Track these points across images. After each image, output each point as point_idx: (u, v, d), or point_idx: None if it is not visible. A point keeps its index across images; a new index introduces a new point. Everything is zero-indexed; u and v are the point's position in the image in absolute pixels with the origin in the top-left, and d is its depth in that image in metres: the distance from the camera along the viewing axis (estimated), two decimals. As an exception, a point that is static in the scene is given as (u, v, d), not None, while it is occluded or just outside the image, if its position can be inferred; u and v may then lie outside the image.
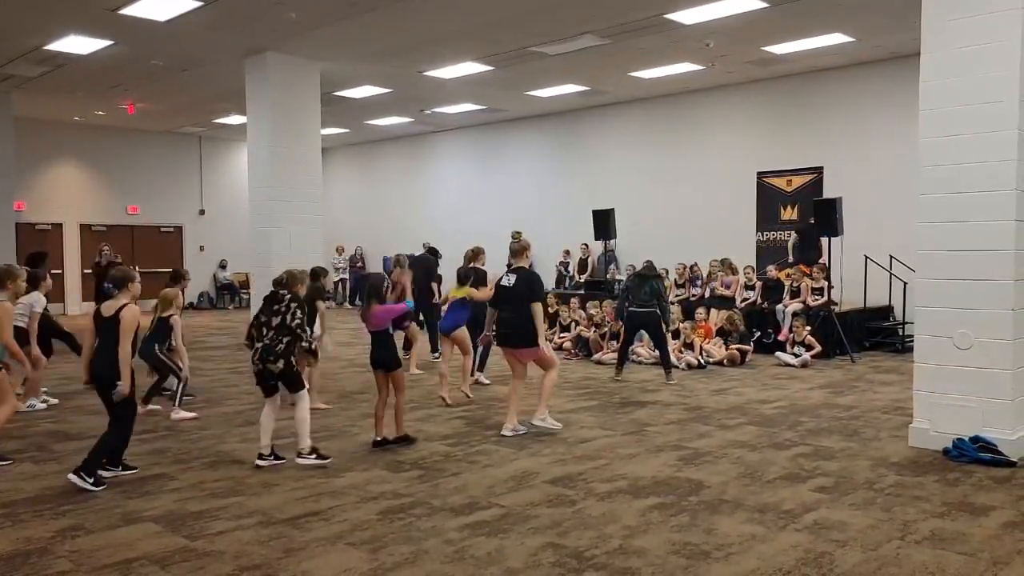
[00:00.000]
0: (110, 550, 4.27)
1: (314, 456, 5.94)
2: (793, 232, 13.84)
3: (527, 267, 7.09)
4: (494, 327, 7.18)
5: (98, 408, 7.75)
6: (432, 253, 12.37)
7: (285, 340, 5.88)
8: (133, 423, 5.65)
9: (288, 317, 5.89)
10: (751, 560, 4.10)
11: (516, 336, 6.84)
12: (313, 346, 6.60)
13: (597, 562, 4.08)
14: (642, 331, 10.80)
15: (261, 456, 6.01)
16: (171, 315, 7.84)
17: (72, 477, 5.31)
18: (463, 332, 8.52)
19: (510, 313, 6.89)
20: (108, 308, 5.48)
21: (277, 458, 6.01)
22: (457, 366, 8.79)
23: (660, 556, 4.16)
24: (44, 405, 8.19)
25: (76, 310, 19.14)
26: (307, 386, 6.26)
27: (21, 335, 7.88)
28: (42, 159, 19.15)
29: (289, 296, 6.00)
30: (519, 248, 7.08)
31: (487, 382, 9.45)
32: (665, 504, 5.00)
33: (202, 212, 21.86)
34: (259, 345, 5.91)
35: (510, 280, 6.90)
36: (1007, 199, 5.96)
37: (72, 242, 19.72)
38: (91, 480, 5.32)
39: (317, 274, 8.31)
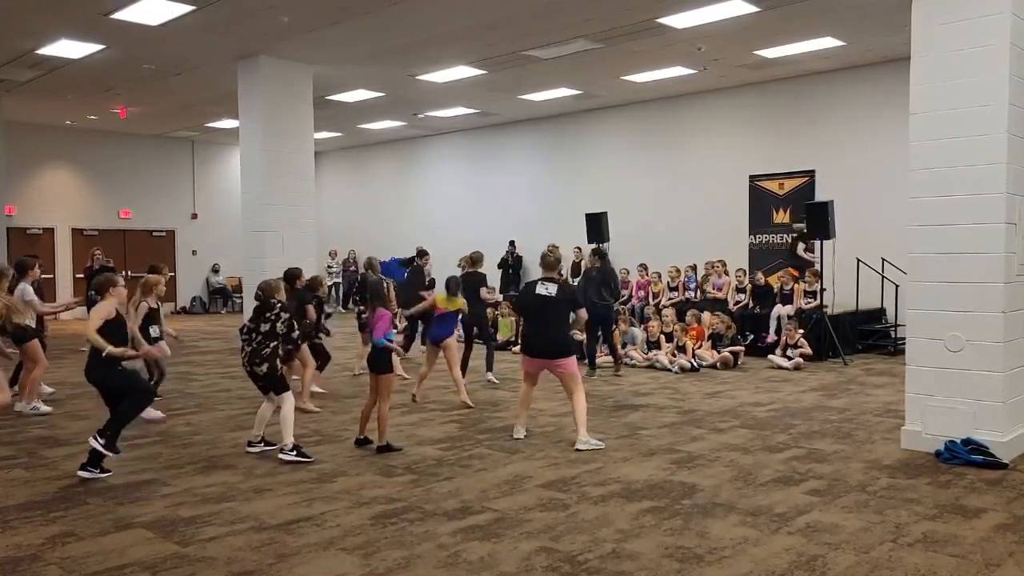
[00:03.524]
0: (101, 556, 4.25)
1: (295, 453, 6.07)
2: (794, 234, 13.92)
3: (562, 278, 7.08)
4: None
5: (89, 413, 7.77)
6: (420, 256, 12.23)
7: (271, 345, 6.20)
8: (143, 391, 5.75)
9: (279, 325, 6.23)
10: (744, 563, 4.10)
11: (554, 348, 6.67)
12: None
13: (590, 566, 4.08)
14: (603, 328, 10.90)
15: (250, 443, 6.41)
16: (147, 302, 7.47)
17: (91, 442, 5.54)
18: (452, 342, 8.49)
19: (547, 324, 6.71)
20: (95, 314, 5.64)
21: (268, 444, 6.38)
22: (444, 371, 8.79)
23: (653, 560, 4.16)
24: (50, 408, 8.08)
25: (67, 315, 19.03)
26: (292, 387, 6.39)
27: (29, 333, 7.84)
28: (33, 163, 19.08)
29: (280, 305, 6.31)
30: (555, 261, 7.01)
31: (497, 381, 9.54)
32: (658, 507, 5.00)
33: (194, 216, 21.80)
34: (248, 349, 6.24)
35: (550, 290, 6.71)
36: (997, 202, 5.99)
37: (64, 247, 19.64)
38: (102, 441, 5.51)
39: (293, 276, 8.23)
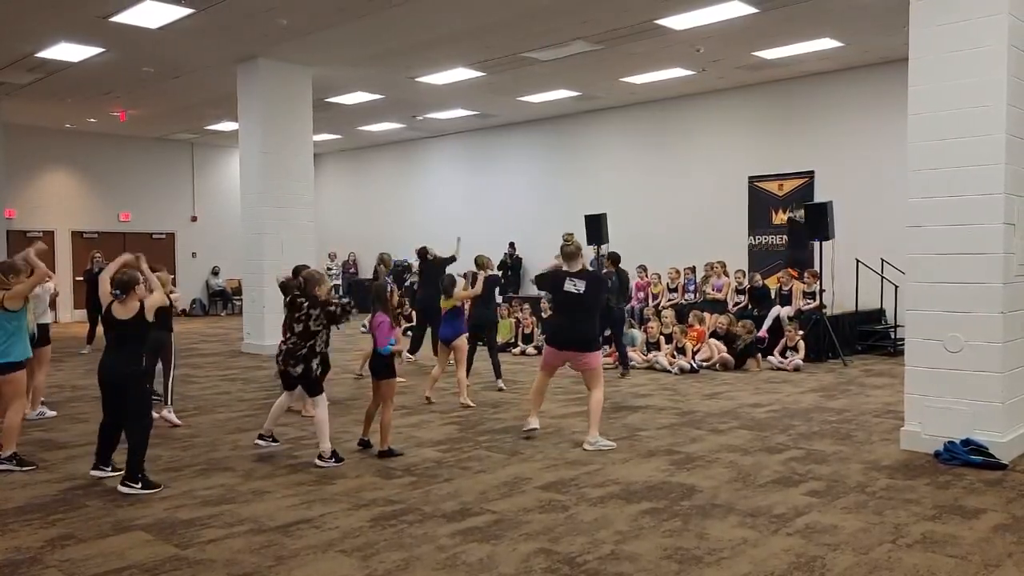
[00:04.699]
0: (100, 559, 4.25)
1: (333, 460, 6.09)
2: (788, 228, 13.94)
3: (588, 268, 6.82)
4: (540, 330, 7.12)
5: (88, 416, 7.77)
6: (422, 256, 12.11)
7: (308, 345, 6.11)
8: (151, 416, 5.68)
9: (311, 323, 6.10)
10: (743, 565, 4.10)
11: (585, 341, 6.59)
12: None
13: (589, 568, 4.08)
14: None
15: (261, 436, 6.47)
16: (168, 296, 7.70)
17: (122, 488, 5.37)
18: (462, 341, 8.57)
19: (578, 319, 6.58)
20: (121, 311, 5.51)
21: (275, 440, 6.46)
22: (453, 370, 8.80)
23: (652, 561, 4.16)
24: (55, 413, 8.07)
25: (68, 317, 19.07)
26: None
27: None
28: (33, 166, 19.10)
29: (308, 303, 6.16)
30: (574, 250, 6.72)
31: (505, 388, 9.46)
32: (657, 509, 5.00)
33: (194, 219, 21.81)
34: (283, 348, 6.19)
35: (579, 287, 6.55)
36: (996, 202, 5.99)
37: (64, 250, 19.64)
38: (139, 485, 5.37)
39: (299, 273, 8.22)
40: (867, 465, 6.01)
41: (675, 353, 11.17)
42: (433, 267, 11.19)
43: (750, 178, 14.95)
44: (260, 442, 6.48)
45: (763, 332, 11.82)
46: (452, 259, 11.13)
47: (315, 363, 6.17)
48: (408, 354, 11.65)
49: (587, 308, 6.61)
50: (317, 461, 6.07)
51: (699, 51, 12.41)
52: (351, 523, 4.79)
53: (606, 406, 8.46)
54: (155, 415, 7.34)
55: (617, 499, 5.21)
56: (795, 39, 11.89)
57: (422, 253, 11.81)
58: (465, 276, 9.49)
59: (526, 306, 13.62)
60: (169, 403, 7.67)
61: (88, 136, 19.63)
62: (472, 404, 8.40)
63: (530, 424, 6.98)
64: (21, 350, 6.07)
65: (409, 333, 12.67)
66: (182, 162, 21.64)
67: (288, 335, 6.18)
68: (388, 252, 11.99)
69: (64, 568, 4.14)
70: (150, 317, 5.56)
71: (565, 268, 6.74)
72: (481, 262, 9.69)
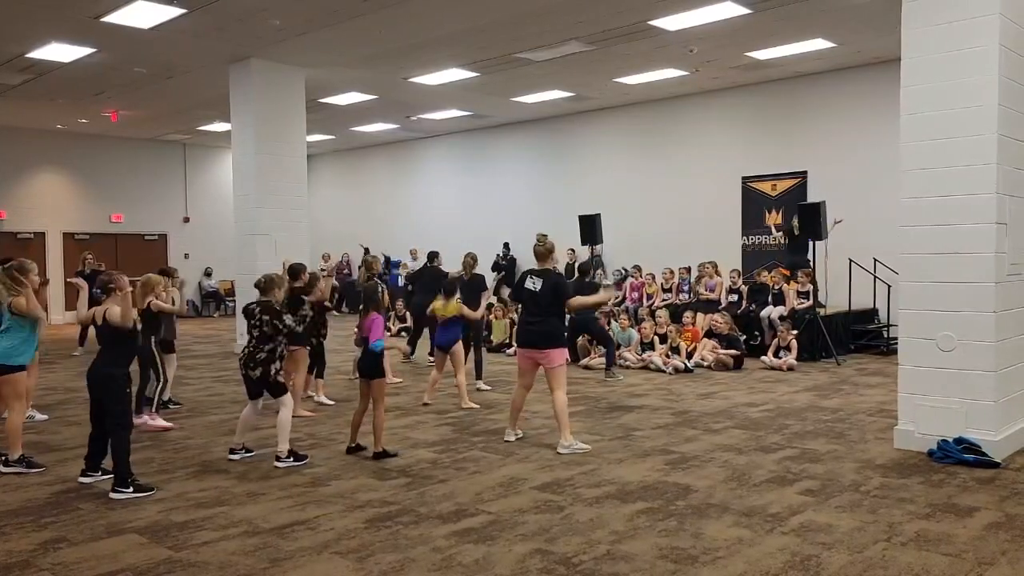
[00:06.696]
0: (93, 562, 4.22)
1: (292, 459, 6.09)
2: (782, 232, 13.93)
3: (552, 269, 6.88)
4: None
5: (80, 419, 7.73)
6: (432, 259, 12.20)
7: (266, 349, 6.13)
8: (127, 430, 5.60)
9: (266, 327, 6.14)
10: (738, 564, 4.11)
11: (542, 337, 6.62)
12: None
13: (585, 568, 4.07)
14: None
15: (232, 451, 6.35)
16: (148, 301, 7.50)
17: (113, 495, 5.32)
18: (459, 347, 8.58)
19: (536, 316, 6.68)
20: (100, 312, 5.61)
21: (247, 451, 6.36)
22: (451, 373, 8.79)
23: (648, 561, 4.16)
24: (46, 416, 8.03)
25: (59, 319, 18.96)
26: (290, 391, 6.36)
27: None
28: (24, 167, 19.00)
29: (259, 309, 6.21)
30: (545, 251, 6.87)
31: (487, 388, 9.45)
32: (652, 509, 5.00)
33: (187, 220, 21.74)
34: (244, 351, 6.21)
35: (536, 284, 6.68)
36: (988, 202, 6.01)
37: (55, 251, 19.54)
38: (130, 489, 5.35)
39: (296, 272, 8.20)
40: (861, 464, 6.02)
41: (669, 353, 11.17)
42: (431, 275, 11.32)
43: (743, 178, 14.98)
44: (233, 456, 6.27)
45: (769, 336, 11.78)
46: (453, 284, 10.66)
47: (274, 367, 6.17)
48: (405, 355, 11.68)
49: (543, 305, 6.63)
50: (276, 463, 6.04)
51: (692, 51, 12.43)
52: (346, 525, 4.77)
53: (601, 406, 8.50)
54: (136, 420, 7.25)
55: (612, 499, 5.21)
56: (788, 40, 11.91)
57: (431, 256, 11.90)
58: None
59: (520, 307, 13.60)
60: (152, 408, 7.55)
61: (79, 137, 19.53)
62: (475, 406, 8.37)
63: (507, 437, 6.92)
64: (30, 354, 6.19)
65: (404, 335, 12.68)
66: (174, 163, 21.56)
67: (248, 339, 6.19)
68: (375, 256, 12.08)
69: (57, 571, 4.11)
70: (110, 316, 5.51)
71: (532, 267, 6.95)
72: (468, 262, 9.87)
